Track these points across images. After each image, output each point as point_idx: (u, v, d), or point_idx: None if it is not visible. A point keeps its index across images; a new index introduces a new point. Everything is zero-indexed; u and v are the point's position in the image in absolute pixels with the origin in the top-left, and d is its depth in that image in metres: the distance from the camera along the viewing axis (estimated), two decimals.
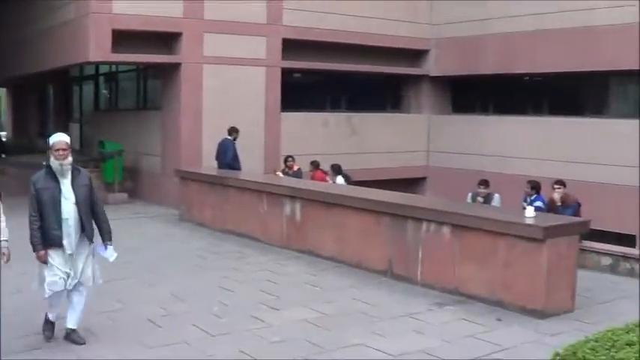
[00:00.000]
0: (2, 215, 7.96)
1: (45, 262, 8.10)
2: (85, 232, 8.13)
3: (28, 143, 30.53)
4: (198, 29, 19.36)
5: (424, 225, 10.90)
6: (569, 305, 9.66)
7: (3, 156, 27.47)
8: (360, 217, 12.18)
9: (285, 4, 20.65)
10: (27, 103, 33.30)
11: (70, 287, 8.23)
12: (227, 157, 17.70)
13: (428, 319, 9.23)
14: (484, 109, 23.42)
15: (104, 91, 26.06)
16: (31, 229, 8.01)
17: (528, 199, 14.59)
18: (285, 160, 18.95)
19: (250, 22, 20.01)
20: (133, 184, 21.15)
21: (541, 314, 9.25)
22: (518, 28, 21.06)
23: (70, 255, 8.12)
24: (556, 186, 14.37)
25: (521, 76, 22.10)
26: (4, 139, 31.25)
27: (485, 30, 21.93)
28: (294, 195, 13.87)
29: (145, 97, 22.28)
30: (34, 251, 8.11)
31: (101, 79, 25.68)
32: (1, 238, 7.89)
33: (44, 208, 7.92)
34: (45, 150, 25.56)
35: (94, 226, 8.33)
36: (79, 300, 8.38)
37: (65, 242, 8.04)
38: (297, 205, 13.73)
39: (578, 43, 19.58)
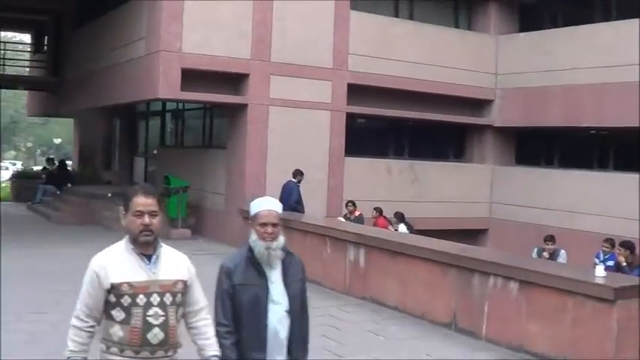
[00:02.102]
0: (202, 311, 5.00)
1: None
2: (293, 352, 5.36)
3: (93, 174, 30.97)
4: (266, 71, 19.59)
5: (491, 279, 10.80)
6: None
7: (69, 185, 27.84)
8: (425, 267, 12.12)
9: (352, 49, 20.81)
10: (93, 135, 33.71)
11: None
12: (291, 199, 17.79)
13: None
14: (548, 161, 23.29)
15: (170, 127, 26.35)
16: (222, 347, 5.08)
17: (602, 256, 14.43)
18: (347, 205, 19.00)
19: (316, 66, 20.21)
20: (196, 220, 21.29)
21: None
22: (585, 80, 20.91)
23: None
24: (619, 249, 14.17)
25: (587, 129, 21.92)
26: (69, 169, 31.65)
27: (551, 81, 21.82)
28: (358, 241, 13.86)
29: (210, 135, 22.51)
30: None
31: (168, 115, 25.99)
32: (210, 355, 4.97)
33: (242, 315, 5.21)
34: (109, 181, 26.01)
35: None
36: None
37: None
38: (362, 252, 13.71)
39: None
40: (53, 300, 12.24)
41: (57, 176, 29.09)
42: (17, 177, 36.76)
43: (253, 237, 5.26)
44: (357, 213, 18.91)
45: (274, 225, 5.23)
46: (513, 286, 10.42)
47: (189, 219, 21.00)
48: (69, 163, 34.71)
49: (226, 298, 5.25)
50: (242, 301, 5.21)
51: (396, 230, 17.93)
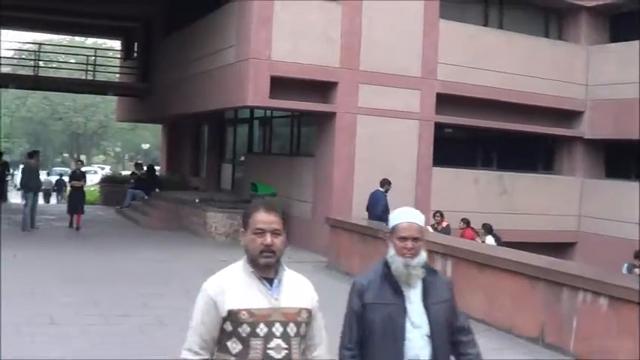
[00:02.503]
0: (321, 346, 4.29)
1: None
2: None
3: (181, 180, 31.30)
4: (354, 80, 19.60)
5: (580, 294, 10.55)
6: None
7: (157, 190, 28.20)
8: (513, 281, 11.92)
9: (441, 59, 20.70)
10: (181, 141, 34.23)
11: None
12: (378, 209, 17.74)
13: None
14: None
15: (258, 134, 26.51)
16: None
17: None
18: (435, 216, 18.89)
19: (405, 74, 20.16)
20: None
21: None
22: None
23: None
24: None
25: None
26: (157, 174, 32.06)
27: None
28: (446, 252, 13.73)
29: (298, 143, 22.60)
30: None
31: (256, 122, 26.18)
32: None
33: (373, 339, 4.48)
34: (196, 187, 26.12)
35: None
36: None
37: None
38: (449, 263, 13.56)
39: None
40: (140, 303, 12.46)
41: (145, 181, 29.53)
42: (106, 181, 37.42)
43: (391, 252, 4.56)
44: (444, 224, 18.80)
45: (415, 239, 4.51)
46: (603, 302, 10.18)
47: None
48: (157, 168, 35.10)
49: (354, 320, 4.58)
50: (374, 322, 4.47)
51: (483, 242, 17.77)
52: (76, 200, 23.04)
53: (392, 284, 4.50)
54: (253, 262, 4.08)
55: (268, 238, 4.02)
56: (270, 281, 4.07)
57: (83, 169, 24.37)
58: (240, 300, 4.00)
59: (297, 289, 4.17)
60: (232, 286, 4.07)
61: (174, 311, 11.90)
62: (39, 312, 11.26)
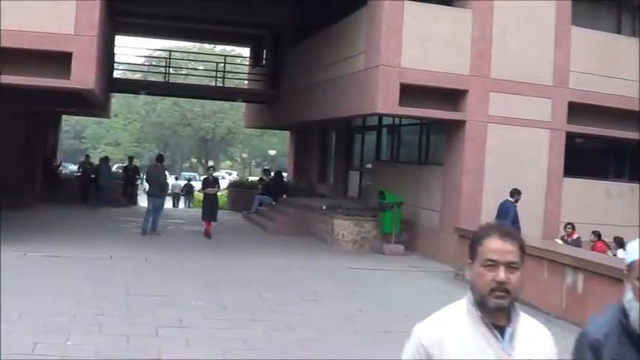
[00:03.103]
0: None
1: None
2: None
3: (308, 186, 31.55)
4: (484, 88, 19.41)
5: None
6: None
7: (284, 196, 28.48)
8: None
9: (573, 66, 20.28)
10: (308, 147, 34.50)
11: None
12: (507, 219, 17.49)
13: None
14: None
15: (386, 142, 26.48)
16: None
17: None
18: (566, 227, 18.54)
19: (536, 83, 19.83)
20: (409, 236, 21.31)
21: None
22: None
23: None
24: None
25: None
26: (284, 180, 32.35)
27: None
28: (577, 265, 13.45)
29: (426, 151, 22.45)
30: None
31: (384, 130, 26.17)
32: None
33: None
34: (322, 194, 26.19)
35: None
36: None
37: None
38: (580, 276, 13.28)
39: None
40: (267, 308, 12.58)
41: (273, 187, 29.90)
42: (233, 186, 37.98)
43: (628, 296, 3.32)
44: (574, 236, 18.43)
45: None
46: None
47: (402, 235, 21.03)
48: (284, 174, 35.41)
49: None
50: None
51: (615, 255, 17.33)
52: (210, 207, 22.76)
53: (632, 339, 3.26)
54: (481, 303, 3.24)
55: (502, 273, 3.17)
56: (502, 330, 3.21)
57: (215, 174, 24.29)
58: (462, 352, 3.17)
59: (534, 341, 3.28)
60: (452, 334, 3.23)
61: (301, 317, 12.04)
62: (170, 315, 11.52)
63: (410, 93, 18.72)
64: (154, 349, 9.49)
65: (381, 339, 10.75)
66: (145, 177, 27.82)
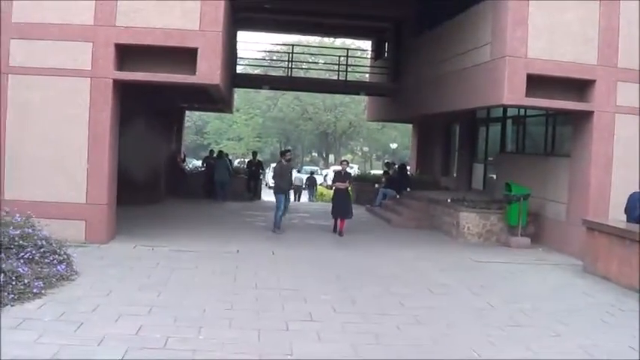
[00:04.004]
0: None
1: None
2: None
3: (431, 179, 31.49)
4: (612, 77, 18.95)
5: None
6: None
7: (408, 190, 28.45)
8: None
9: None
10: (431, 140, 34.38)
11: None
12: (636, 211, 17.09)
13: None
14: None
15: (511, 134, 26.16)
16: None
17: None
18: None
19: None
20: (535, 229, 21.04)
21: None
22: None
23: None
24: None
25: None
26: (408, 173, 32.26)
27: None
28: None
29: (552, 143, 22.10)
30: None
31: (508, 121, 25.88)
32: None
33: None
34: (446, 187, 26.16)
35: None
36: None
37: None
38: None
39: None
40: (396, 302, 12.62)
41: (397, 180, 29.93)
42: (356, 180, 38.01)
43: None
44: None
45: None
46: None
47: (528, 227, 20.78)
48: (408, 167, 35.31)
49: None
50: None
51: None
52: (341, 203, 21.79)
53: None
54: None
55: None
56: None
57: (348, 169, 23.41)
58: None
59: None
60: None
61: (431, 311, 12.06)
62: (299, 309, 11.70)
63: (536, 84, 18.42)
64: (286, 344, 9.65)
65: (512, 334, 10.71)
66: (271, 172, 28.00)
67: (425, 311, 11.96)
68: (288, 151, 23.95)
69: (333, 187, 22.71)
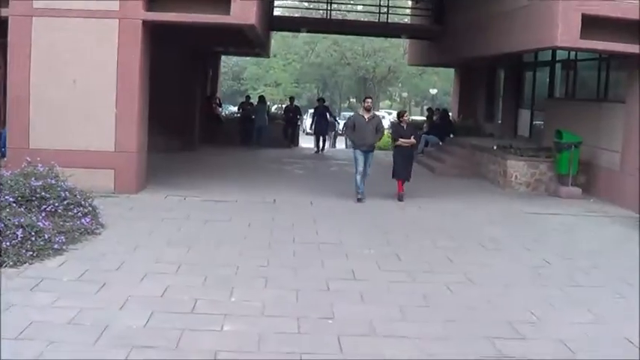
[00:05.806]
0: None
1: None
2: None
3: (474, 125, 30.60)
4: None
5: None
6: None
7: (451, 136, 27.66)
8: None
9: None
10: (474, 85, 33.44)
11: None
12: None
13: None
14: None
15: (560, 78, 25.14)
16: None
17: None
18: None
19: None
20: (586, 178, 20.07)
21: None
22: None
23: None
24: None
25: None
26: (450, 120, 31.38)
27: None
28: None
29: (606, 88, 20.99)
30: None
31: (557, 65, 24.78)
32: None
33: None
34: (491, 133, 25.21)
35: None
36: None
37: None
38: None
39: None
40: (444, 257, 11.88)
41: (439, 127, 29.10)
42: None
43: None
44: None
45: None
46: None
47: (579, 177, 19.83)
48: (450, 114, 34.38)
49: None
50: None
51: None
52: (407, 163, 18.18)
53: None
54: None
55: None
56: None
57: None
58: None
59: None
60: None
61: (482, 268, 11.28)
62: (341, 266, 10.96)
63: (591, 25, 17.36)
64: (326, 306, 8.89)
65: (571, 294, 9.88)
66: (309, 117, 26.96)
67: (477, 269, 11.16)
68: (369, 97, 19.51)
69: (395, 145, 18.49)
